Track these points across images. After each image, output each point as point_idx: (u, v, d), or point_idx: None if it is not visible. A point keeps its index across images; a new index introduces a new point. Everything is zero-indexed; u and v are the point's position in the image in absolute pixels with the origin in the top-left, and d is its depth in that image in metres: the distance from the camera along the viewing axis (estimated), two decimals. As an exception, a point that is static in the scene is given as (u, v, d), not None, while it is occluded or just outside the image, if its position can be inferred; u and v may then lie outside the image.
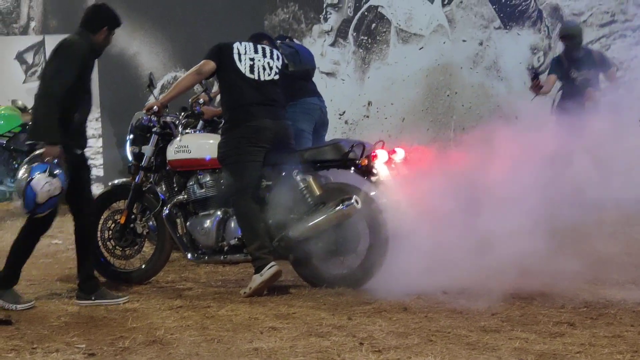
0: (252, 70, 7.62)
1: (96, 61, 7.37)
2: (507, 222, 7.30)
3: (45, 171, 6.73)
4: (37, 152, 6.80)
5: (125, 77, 13.05)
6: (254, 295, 7.28)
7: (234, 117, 7.55)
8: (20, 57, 13.57)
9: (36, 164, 6.77)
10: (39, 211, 6.85)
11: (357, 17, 12.46)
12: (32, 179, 6.70)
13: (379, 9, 12.36)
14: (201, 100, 8.68)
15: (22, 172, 6.81)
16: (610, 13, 11.67)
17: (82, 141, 7.28)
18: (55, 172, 6.77)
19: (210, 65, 7.58)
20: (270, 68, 7.70)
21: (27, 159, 6.84)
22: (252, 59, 7.64)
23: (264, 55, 7.73)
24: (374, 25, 12.40)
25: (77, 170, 7.14)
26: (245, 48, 7.69)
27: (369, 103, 12.36)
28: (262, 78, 7.64)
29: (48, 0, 13.45)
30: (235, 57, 7.60)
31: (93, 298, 7.15)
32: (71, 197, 7.20)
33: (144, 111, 8.03)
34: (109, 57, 13.06)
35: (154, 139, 8.02)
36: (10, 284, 7.09)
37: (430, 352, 5.76)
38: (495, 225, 7.14)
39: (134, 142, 8.08)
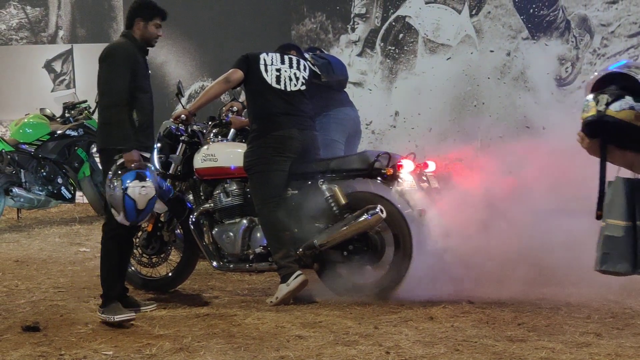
0: (278, 81, 7.67)
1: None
2: (532, 232, 7.32)
3: (135, 178, 6.74)
4: (119, 162, 6.79)
5: (153, 85, 13.06)
6: (280, 304, 7.32)
7: (261, 127, 7.59)
8: (48, 66, 13.62)
9: (125, 173, 6.75)
10: (141, 218, 6.88)
11: (384, 27, 12.47)
12: (126, 188, 6.69)
13: (407, 19, 12.37)
14: (234, 108, 8.72)
15: (114, 185, 6.76)
16: (638, 24, 11.63)
17: (147, 143, 7.15)
18: (145, 176, 6.78)
19: (238, 74, 7.63)
20: (297, 79, 7.74)
21: (112, 170, 6.79)
22: (278, 70, 7.69)
23: (291, 66, 7.77)
24: (401, 35, 12.41)
25: None
26: (272, 59, 7.74)
27: (396, 113, 12.37)
28: (288, 88, 7.69)
29: (77, 9, 13.51)
30: (262, 67, 7.66)
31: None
32: None
33: (172, 120, 8.08)
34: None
35: (181, 147, 8.07)
36: (111, 300, 6.95)
37: (457, 362, 5.80)
38: (521, 235, 7.15)
39: (161, 151, 8.12)
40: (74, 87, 13.54)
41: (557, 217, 7.42)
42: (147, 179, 6.76)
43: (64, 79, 13.63)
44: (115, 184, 6.73)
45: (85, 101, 12.28)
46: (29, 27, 13.68)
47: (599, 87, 3.86)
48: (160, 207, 7.22)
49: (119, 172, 6.75)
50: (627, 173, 3.85)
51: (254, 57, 7.74)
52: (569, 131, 4.37)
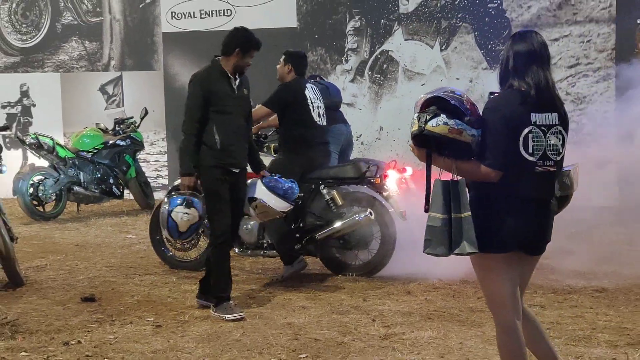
0: (319, 117, 7.67)
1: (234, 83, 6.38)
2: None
3: (182, 203, 6.27)
4: (176, 183, 6.39)
5: (179, 101, 13.07)
6: (284, 281, 7.32)
7: (297, 148, 7.52)
8: (102, 89, 13.59)
9: (174, 196, 6.33)
10: (184, 237, 6.44)
11: (371, 59, 12.45)
12: (171, 211, 6.28)
13: (389, 53, 12.36)
14: None
15: (164, 204, 6.37)
16: (575, 57, 11.64)
17: (233, 160, 6.33)
18: (192, 203, 6.26)
19: (266, 111, 7.60)
20: (324, 114, 7.77)
21: (169, 189, 6.36)
22: (318, 107, 7.67)
23: (319, 99, 7.76)
24: (385, 65, 12.40)
25: (231, 189, 6.38)
26: (311, 94, 7.67)
27: (381, 128, 12.36)
28: (322, 123, 7.71)
29: (125, 43, 13.48)
30: (310, 106, 7.58)
31: (214, 310, 6.29)
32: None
33: None
34: (172, 89, 13.14)
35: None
36: (222, 300, 6.27)
37: (429, 327, 5.80)
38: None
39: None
40: (123, 106, 13.52)
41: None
42: (193, 207, 6.26)
43: (115, 100, 13.61)
44: (165, 204, 6.37)
45: (131, 117, 12.25)
46: (87, 58, 13.67)
47: (425, 107, 3.96)
48: (283, 206, 6.65)
49: (172, 193, 6.32)
50: (447, 175, 3.93)
51: (301, 95, 7.56)
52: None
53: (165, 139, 13.37)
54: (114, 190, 11.69)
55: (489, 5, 11.91)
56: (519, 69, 3.97)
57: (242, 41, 6.36)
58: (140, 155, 12.56)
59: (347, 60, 12.59)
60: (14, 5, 13.93)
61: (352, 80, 12.55)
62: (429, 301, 6.56)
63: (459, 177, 3.92)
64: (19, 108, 13.86)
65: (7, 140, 13.40)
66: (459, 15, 12.05)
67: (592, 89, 11.56)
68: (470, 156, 3.93)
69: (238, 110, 6.40)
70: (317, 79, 9.29)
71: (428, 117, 3.87)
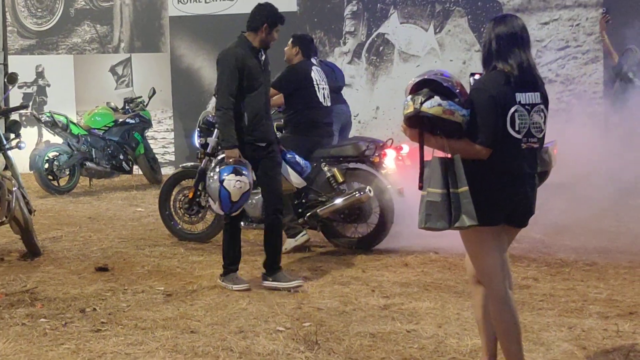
0: (324, 99, 7.59)
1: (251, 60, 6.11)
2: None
3: (232, 172, 5.92)
4: (220, 156, 6.13)
5: (191, 85, 12.98)
6: (287, 253, 7.23)
7: (303, 127, 7.47)
8: (112, 70, 13.52)
9: (223, 167, 5.97)
10: (235, 209, 6.01)
11: (368, 41, 12.37)
12: (223, 180, 5.90)
13: (385, 36, 12.27)
14: None
15: (212, 177, 6.02)
16: (565, 40, 11.55)
17: (261, 135, 6.15)
18: (241, 171, 5.93)
19: (273, 92, 7.40)
20: (329, 96, 7.68)
21: (213, 164, 6.12)
22: (323, 88, 7.59)
23: (324, 80, 7.68)
24: (381, 48, 12.31)
25: (260, 162, 6.20)
26: (316, 75, 7.58)
27: (377, 107, 12.29)
28: (327, 104, 7.63)
29: (134, 26, 13.39)
30: (316, 87, 7.52)
31: (271, 280, 6.17)
32: (261, 187, 6.44)
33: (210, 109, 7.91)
34: (178, 70, 13.05)
35: (217, 132, 7.89)
36: (230, 271, 6.18)
37: (427, 298, 5.74)
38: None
39: (201, 135, 7.96)
40: (132, 86, 13.43)
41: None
42: (243, 175, 5.94)
43: (124, 80, 13.52)
44: (214, 176, 6.00)
45: (140, 97, 12.20)
46: (98, 40, 13.57)
47: (416, 89, 3.92)
48: (300, 181, 6.63)
49: (219, 165, 6.03)
50: (440, 153, 3.91)
51: (307, 77, 7.50)
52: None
53: (172, 118, 13.29)
54: (124, 166, 11.65)
55: (481, -11, 11.80)
56: (502, 52, 3.98)
57: (269, 16, 6.17)
58: (148, 133, 12.47)
59: (345, 43, 12.48)
60: (29, -10, 13.83)
61: (349, 62, 12.46)
62: (425, 273, 6.48)
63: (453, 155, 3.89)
64: (35, 88, 13.82)
65: (23, 118, 13.30)
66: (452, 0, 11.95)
67: (581, 70, 11.48)
68: (460, 135, 3.91)
69: (265, 85, 6.24)
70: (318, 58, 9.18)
71: (423, 99, 3.85)
